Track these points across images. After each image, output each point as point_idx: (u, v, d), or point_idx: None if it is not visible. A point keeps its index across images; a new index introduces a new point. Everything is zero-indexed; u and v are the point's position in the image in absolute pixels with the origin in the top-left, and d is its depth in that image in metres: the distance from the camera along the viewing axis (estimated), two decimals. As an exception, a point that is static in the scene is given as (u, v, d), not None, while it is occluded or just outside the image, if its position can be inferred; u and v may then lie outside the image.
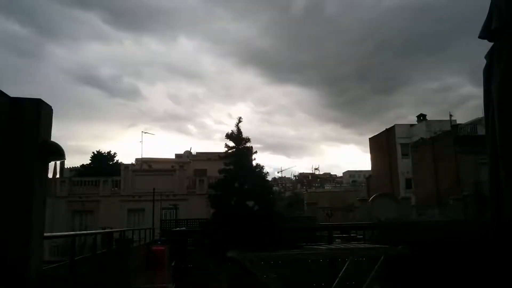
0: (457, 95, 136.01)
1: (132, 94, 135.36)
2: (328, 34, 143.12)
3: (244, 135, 6.81)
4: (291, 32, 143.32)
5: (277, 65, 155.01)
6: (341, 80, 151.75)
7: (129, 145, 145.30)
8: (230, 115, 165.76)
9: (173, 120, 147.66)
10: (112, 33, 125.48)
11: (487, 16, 2.44)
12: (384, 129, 46.19)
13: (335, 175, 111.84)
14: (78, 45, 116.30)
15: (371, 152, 49.61)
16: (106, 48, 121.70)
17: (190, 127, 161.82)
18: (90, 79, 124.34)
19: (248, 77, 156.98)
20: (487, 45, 2.48)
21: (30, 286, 3.85)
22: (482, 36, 2.48)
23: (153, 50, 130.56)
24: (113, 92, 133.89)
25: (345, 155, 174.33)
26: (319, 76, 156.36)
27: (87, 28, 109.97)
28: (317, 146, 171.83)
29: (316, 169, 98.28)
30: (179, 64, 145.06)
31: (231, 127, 6.78)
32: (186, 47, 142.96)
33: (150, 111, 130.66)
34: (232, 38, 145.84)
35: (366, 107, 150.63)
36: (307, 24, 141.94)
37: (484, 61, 2.49)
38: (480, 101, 2.54)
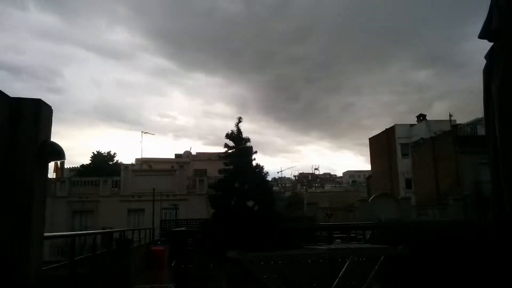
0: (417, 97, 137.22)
1: (49, 76, 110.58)
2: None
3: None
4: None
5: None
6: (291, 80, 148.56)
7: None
8: (169, 107, 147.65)
9: (113, 112, 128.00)
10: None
11: (487, 16, 2.44)
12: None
13: (335, 175, 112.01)
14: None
15: (371, 153, 49.59)
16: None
17: (131, 117, 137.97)
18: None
19: (176, 66, 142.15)
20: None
21: (30, 286, 3.85)
22: (482, 36, 2.47)
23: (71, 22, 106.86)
24: (21, 73, 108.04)
25: (322, 154, 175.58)
26: (266, 76, 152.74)
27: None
28: (288, 145, 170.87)
29: (316, 169, 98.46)
30: (98, 42, 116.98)
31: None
32: (104, 24, 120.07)
33: (77, 100, 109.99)
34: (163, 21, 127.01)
35: (328, 108, 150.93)
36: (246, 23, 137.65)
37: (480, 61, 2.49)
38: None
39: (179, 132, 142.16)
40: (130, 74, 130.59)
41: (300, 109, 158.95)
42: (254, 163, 6.87)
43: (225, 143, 6.91)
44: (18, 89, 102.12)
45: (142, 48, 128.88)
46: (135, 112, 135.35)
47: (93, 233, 8.49)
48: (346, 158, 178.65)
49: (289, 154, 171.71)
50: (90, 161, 43.63)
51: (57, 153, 4.36)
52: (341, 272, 4.49)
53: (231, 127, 6.74)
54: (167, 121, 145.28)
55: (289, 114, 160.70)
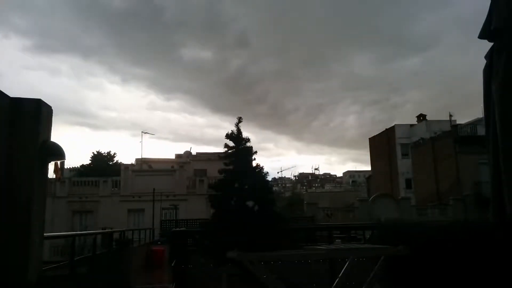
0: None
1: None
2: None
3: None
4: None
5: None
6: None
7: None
8: (126, 99, 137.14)
9: (68, 106, 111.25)
10: None
11: (487, 16, 2.44)
12: (384, 129, 46.22)
13: (335, 175, 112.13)
14: None
15: (371, 153, 49.59)
16: None
17: (76, 110, 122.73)
18: None
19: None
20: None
21: (30, 286, 3.85)
22: (482, 36, 2.47)
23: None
24: None
25: (303, 153, 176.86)
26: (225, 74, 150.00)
27: None
28: (264, 145, 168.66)
29: (316, 169, 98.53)
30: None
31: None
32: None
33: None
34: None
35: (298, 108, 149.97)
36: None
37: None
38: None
39: (137, 127, 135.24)
40: (63, 60, 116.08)
41: (265, 109, 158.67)
42: (254, 163, 6.87)
43: (225, 143, 6.91)
44: None
45: (78, 30, 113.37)
46: (78, 104, 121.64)
47: (93, 233, 8.49)
48: (317, 159, 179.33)
49: (263, 152, 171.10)
50: (90, 161, 43.63)
51: (57, 153, 4.36)
52: (341, 272, 4.49)
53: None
54: (134, 117, 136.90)
55: (253, 114, 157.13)
